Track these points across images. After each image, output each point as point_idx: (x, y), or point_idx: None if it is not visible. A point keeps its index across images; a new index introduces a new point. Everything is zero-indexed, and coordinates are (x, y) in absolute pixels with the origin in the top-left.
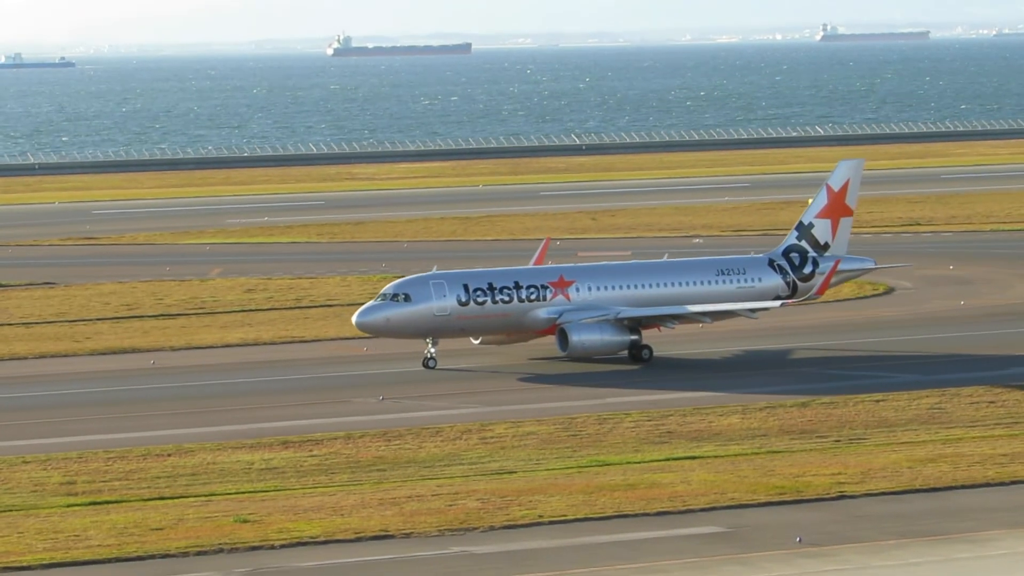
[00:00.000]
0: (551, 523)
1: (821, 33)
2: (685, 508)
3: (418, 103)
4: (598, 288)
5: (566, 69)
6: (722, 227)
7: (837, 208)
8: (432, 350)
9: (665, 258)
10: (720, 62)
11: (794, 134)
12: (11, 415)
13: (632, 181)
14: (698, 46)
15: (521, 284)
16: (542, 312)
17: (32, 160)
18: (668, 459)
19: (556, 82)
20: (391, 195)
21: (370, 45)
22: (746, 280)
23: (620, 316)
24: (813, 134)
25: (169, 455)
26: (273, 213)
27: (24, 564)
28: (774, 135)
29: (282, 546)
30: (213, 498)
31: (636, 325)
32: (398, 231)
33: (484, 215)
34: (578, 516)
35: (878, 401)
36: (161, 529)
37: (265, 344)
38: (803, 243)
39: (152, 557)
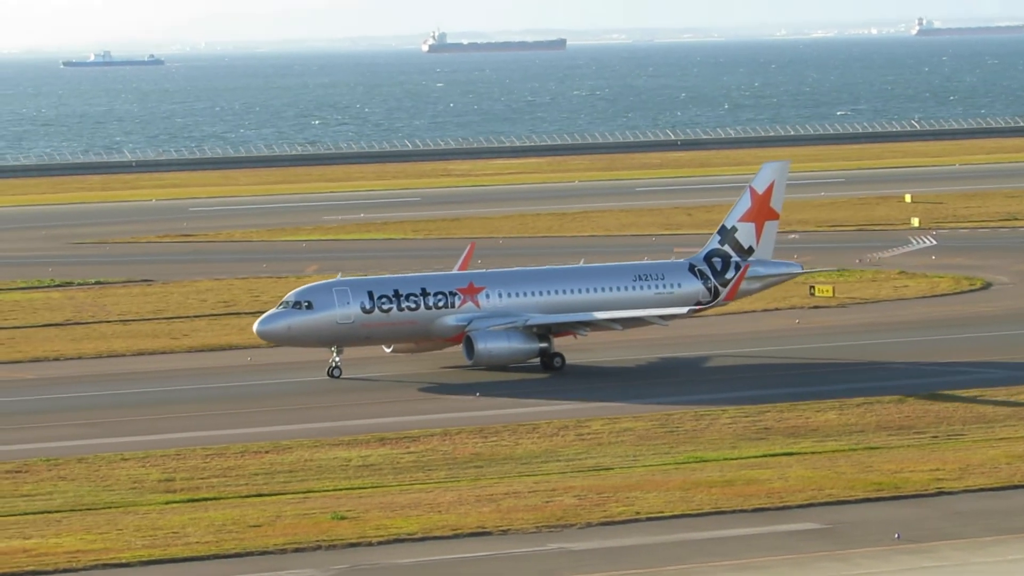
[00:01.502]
0: (648, 520)
1: (917, 27)
2: (783, 504)
3: (514, 99)
4: (509, 295)
5: (661, 65)
6: (818, 222)
7: (762, 211)
8: (337, 359)
9: (581, 263)
10: (814, 57)
11: (890, 129)
12: (110, 412)
13: (727, 176)
14: (793, 41)
15: (428, 291)
16: (450, 319)
17: (129, 157)
18: (765, 455)
19: (650, 78)
20: (487, 191)
21: (465, 41)
22: (665, 286)
23: (528, 323)
24: (909, 129)
25: (267, 452)
26: (369, 210)
27: (123, 561)
28: (871, 130)
29: (379, 543)
30: (311, 495)
31: (546, 332)
32: (494, 227)
33: (580, 211)
34: (675, 513)
35: (975, 397)
36: (259, 526)
37: None
38: (726, 247)
39: (250, 554)
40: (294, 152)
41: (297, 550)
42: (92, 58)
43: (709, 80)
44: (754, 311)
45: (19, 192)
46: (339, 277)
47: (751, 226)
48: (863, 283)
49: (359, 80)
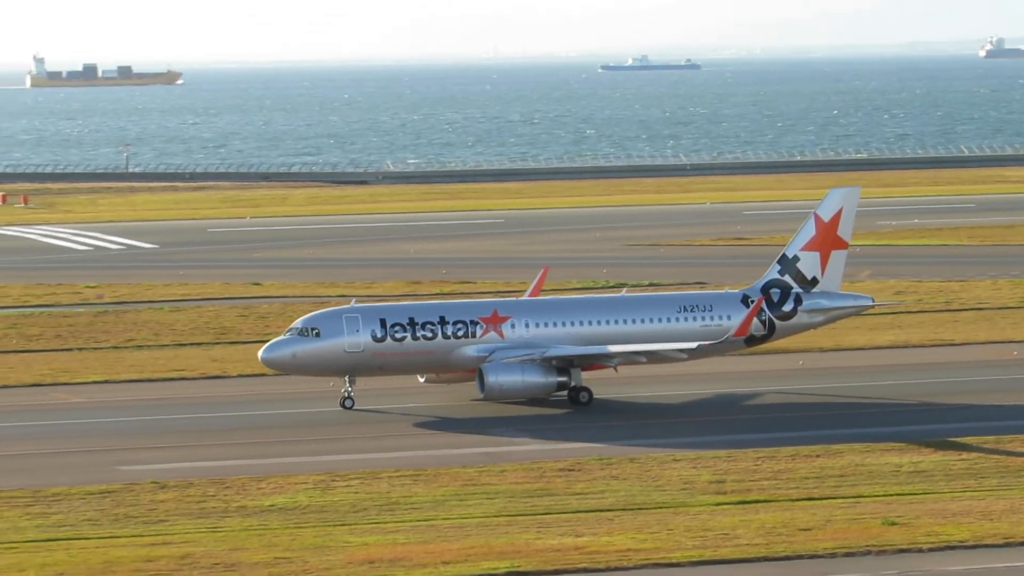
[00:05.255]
0: None
1: None
2: None
3: None
4: (536, 325)
5: None
6: None
7: (828, 240)
8: (350, 389)
9: (623, 292)
10: None
11: None
12: (665, 412)
13: None
14: None
15: (447, 319)
16: (470, 350)
17: (684, 161)
18: None
19: None
20: None
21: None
22: (712, 318)
23: (546, 356)
24: None
25: (818, 456)
26: (924, 216)
27: (673, 561)
28: None
29: (930, 549)
30: (861, 500)
31: (567, 366)
32: None
33: None
34: None
35: None
36: (809, 530)
37: (914, 347)
38: (786, 278)
39: (799, 557)
40: (847, 157)
41: (847, 554)
42: (630, 62)
43: None
44: None
45: (575, 193)
46: (352, 303)
47: (815, 255)
48: None
49: (916, 85)
